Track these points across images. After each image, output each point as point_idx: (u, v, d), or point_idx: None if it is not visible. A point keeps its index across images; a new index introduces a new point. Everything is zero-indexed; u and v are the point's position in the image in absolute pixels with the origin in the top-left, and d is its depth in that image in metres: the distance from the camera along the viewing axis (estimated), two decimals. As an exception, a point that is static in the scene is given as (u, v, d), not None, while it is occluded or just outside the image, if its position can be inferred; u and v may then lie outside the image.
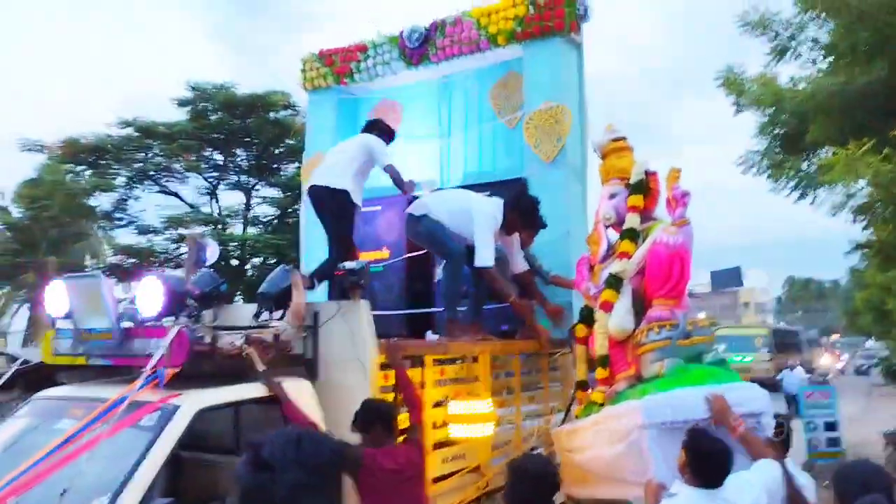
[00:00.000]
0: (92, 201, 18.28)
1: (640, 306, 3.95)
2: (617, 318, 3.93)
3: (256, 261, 18.24)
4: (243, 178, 19.39)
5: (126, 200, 18.03)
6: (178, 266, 17.33)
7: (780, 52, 9.47)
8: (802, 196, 9.09)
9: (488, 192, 5.33)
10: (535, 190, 5.18)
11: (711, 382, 3.57)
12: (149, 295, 3.23)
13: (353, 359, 3.69)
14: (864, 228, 7.78)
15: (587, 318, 4.29)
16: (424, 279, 5.61)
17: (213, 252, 4.72)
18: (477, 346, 4.24)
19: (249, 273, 17.94)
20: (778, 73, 9.53)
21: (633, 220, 4.05)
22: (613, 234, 4.27)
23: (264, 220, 19.42)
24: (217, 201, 19.17)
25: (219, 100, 17.77)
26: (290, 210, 18.93)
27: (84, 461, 2.81)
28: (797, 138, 9.18)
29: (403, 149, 6.28)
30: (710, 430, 3.13)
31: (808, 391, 11.39)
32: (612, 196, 4.22)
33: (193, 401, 3.12)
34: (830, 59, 9.00)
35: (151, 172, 17.79)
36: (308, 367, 3.81)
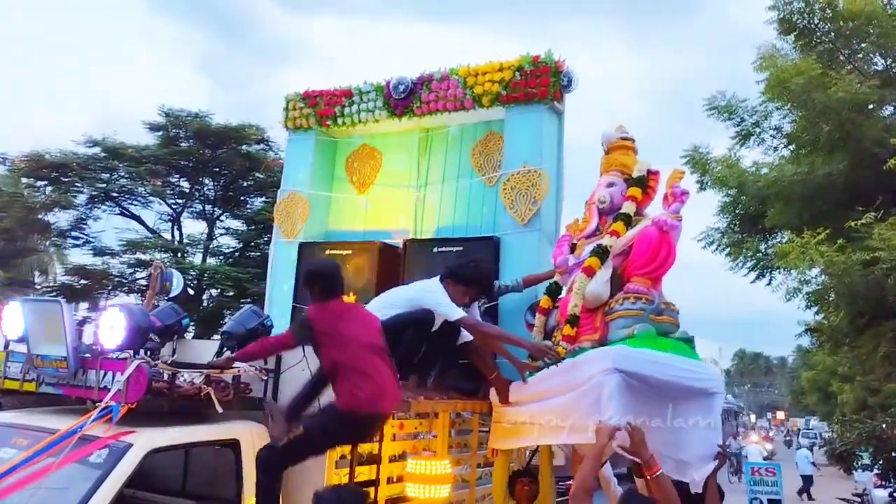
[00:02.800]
0: (49, 217, 17.82)
1: (617, 284, 4.22)
2: (596, 285, 4.18)
3: (214, 292, 17.89)
4: (208, 207, 19.18)
5: (85, 220, 17.60)
6: (131, 291, 16.88)
7: (744, 137, 9.91)
8: (759, 277, 9.36)
9: (460, 248, 5.38)
10: (507, 250, 5.24)
11: (677, 353, 3.84)
12: (111, 327, 3.14)
13: (314, 407, 3.61)
14: (817, 314, 8.04)
15: (553, 292, 4.66)
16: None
17: (178, 283, 4.66)
18: (439, 404, 4.21)
19: (205, 304, 17.57)
20: (742, 157, 9.95)
21: (629, 208, 4.42)
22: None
23: (226, 251, 19.14)
24: (179, 229, 18.87)
25: (192, 128, 17.68)
26: (252, 244, 18.75)
27: (27, 495, 2.68)
28: (756, 220, 9.52)
29: (379, 196, 6.36)
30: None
31: (754, 467, 11.57)
32: (610, 185, 4.57)
33: (146, 440, 3.01)
34: (791, 147, 9.44)
35: (114, 194, 17.45)
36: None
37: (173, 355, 3.88)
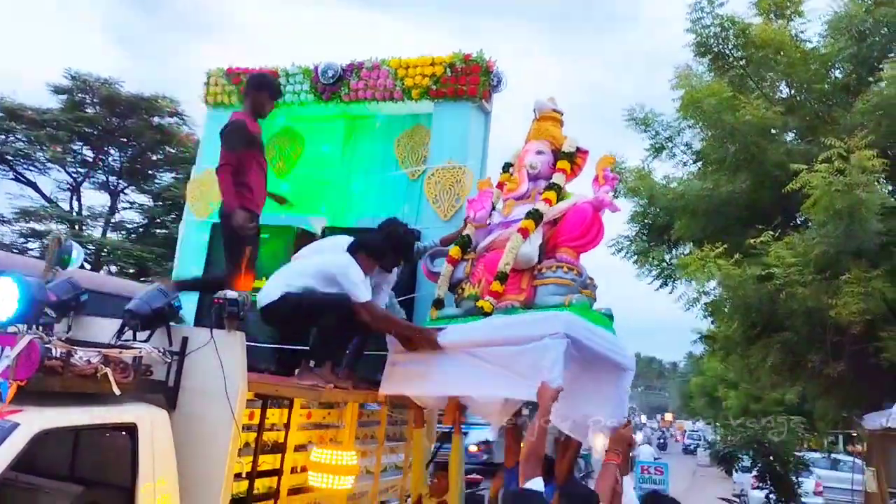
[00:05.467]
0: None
1: (541, 252, 4.37)
2: (530, 247, 4.27)
3: (113, 269, 17.02)
4: (112, 179, 18.24)
5: (-27, 183, 16.39)
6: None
7: (657, 150, 10.34)
8: (663, 285, 9.79)
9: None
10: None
11: (605, 327, 4.14)
12: (3, 297, 2.92)
13: (220, 392, 3.49)
14: (712, 323, 8.48)
15: (465, 244, 4.69)
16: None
17: (77, 256, 4.38)
18: (350, 394, 4.16)
19: (102, 281, 16.69)
20: (654, 169, 10.37)
21: (559, 178, 4.56)
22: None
23: (129, 227, 18.25)
24: (78, 199, 17.84)
25: (101, 94, 16.75)
26: (158, 220, 17.97)
27: None
28: (663, 231, 9.96)
29: (299, 181, 6.22)
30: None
31: (644, 465, 12.14)
32: (540, 152, 4.71)
33: (35, 420, 2.81)
34: (700, 164, 9.93)
35: (9, 157, 16.30)
36: (167, 396, 3.56)
37: (68, 331, 3.66)
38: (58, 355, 3.03)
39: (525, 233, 4.29)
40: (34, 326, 3.01)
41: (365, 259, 4.30)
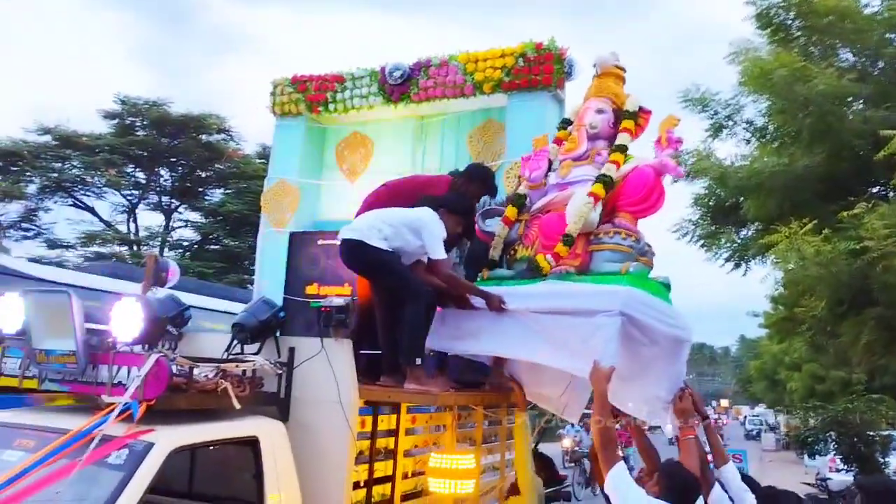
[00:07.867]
0: (-1, 208, 16.98)
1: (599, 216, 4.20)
2: (595, 213, 4.06)
3: (173, 287, 17.37)
4: (165, 199, 18.61)
5: (36, 211, 16.83)
6: (88, 285, 16.22)
7: (716, 130, 10.04)
8: (736, 266, 9.50)
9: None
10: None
11: (660, 297, 3.88)
12: (127, 318, 2.92)
13: (332, 401, 3.46)
14: (795, 306, 8.11)
15: (520, 204, 4.55)
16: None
17: (174, 273, 4.40)
18: (462, 397, 4.08)
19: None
20: (714, 149, 10.07)
21: (624, 139, 4.29)
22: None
23: (184, 244, 18.60)
24: (135, 221, 18.25)
25: (151, 117, 17.09)
26: (211, 237, 18.26)
27: (42, 499, 2.46)
28: (730, 211, 9.66)
29: (371, 184, 6.17)
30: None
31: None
32: (600, 111, 4.44)
33: (168, 438, 2.80)
34: (763, 139, 9.61)
35: (67, 184, 16.74)
36: (280, 408, 3.55)
37: (175, 349, 3.67)
38: (181, 372, 3.04)
39: (597, 198, 4.05)
40: (160, 345, 3.02)
41: (446, 216, 4.20)
